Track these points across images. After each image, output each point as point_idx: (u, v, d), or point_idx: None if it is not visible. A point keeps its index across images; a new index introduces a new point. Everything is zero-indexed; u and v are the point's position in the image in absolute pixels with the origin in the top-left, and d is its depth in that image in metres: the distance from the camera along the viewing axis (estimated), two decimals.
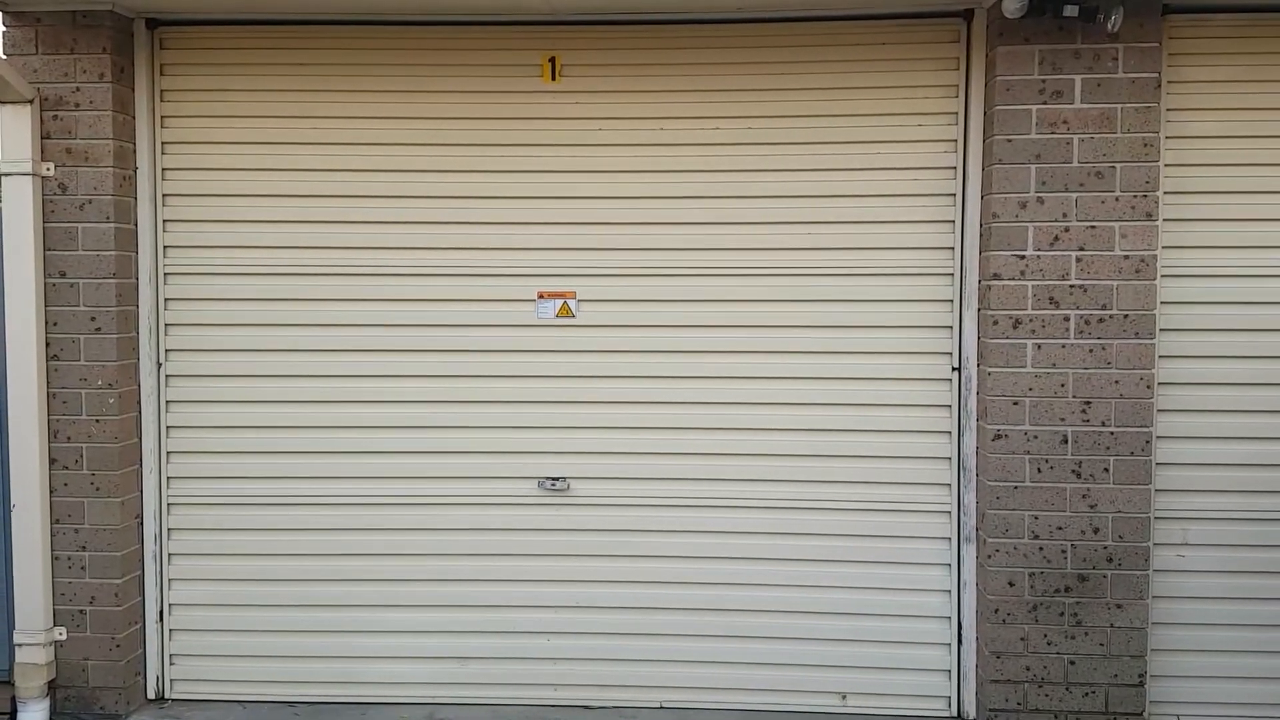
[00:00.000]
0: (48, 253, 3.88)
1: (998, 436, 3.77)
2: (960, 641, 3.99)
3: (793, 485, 4.02)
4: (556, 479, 4.07)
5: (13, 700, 3.94)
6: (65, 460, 3.93)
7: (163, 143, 4.04)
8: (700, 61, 3.94)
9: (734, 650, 4.08)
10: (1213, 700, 3.90)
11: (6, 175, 3.82)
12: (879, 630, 4.04)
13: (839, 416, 4.00)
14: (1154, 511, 3.79)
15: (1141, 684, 3.79)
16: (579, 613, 4.11)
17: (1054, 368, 3.73)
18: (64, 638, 3.97)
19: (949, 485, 3.98)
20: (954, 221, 3.91)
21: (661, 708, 4.12)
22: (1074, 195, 3.69)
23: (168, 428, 4.12)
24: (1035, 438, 3.75)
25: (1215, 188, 3.77)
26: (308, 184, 4.03)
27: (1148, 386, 3.72)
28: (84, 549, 3.95)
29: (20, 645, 3.90)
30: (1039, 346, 3.73)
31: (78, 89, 3.84)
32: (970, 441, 3.92)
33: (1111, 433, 3.73)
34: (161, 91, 4.04)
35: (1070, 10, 3.50)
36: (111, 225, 3.87)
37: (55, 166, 3.85)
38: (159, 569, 4.14)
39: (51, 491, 3.93)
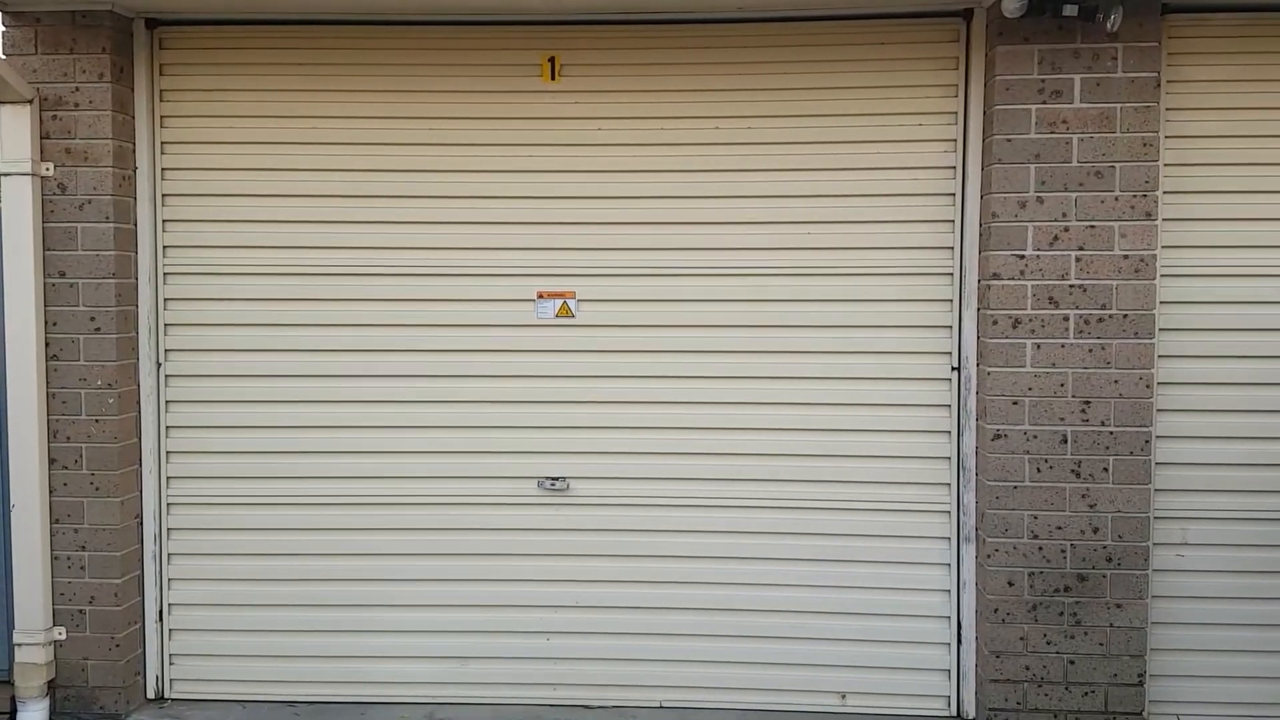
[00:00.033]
0: (47, 253, 3.89)
1: (997, 436, 3.77)
2: (960, 641, 3.99)
3: (792, 485, 4.02)
4: (556, 479, 4.07)
5: (12, 700, 3.94)
6: (65, 460, 3.93)
7: (162, 142, 4.04)
8: (700, 61, 3.94)
9: (734, 650, 4.08)
10: (1212, 700, 3.90)
11: (6, 175, 3.81)
12: (878, 630, 4.04)
13: (838, 416, 4.00)
14: (1153, 511, 3.79)
15: (1141, 683, 3.79)
16: (579, 612, 4.11)
17: (1053, 367, 3.73)
18: (63, 637, 3.97)
19: (948, 485, 3.98)
20: (953, 221, 3.91)
21: (661, 707, 4.12)
22: (1073, 195, 3.69)
23: (167, 428, 4.12)
24: (1035, 437, 3.75)
25: (1215, 187, 3.77)
26: (307, 184, 4.03)
27: (1147, 386, 3.72)
28: (84, 549, 3.96)
29: (20, 645, 3.91)
30: (1038, 346, 3.73)
31: (77, 89, 3.84)
32: (970, 441, 3.92)
33: (1111, 432, 3.73)
34: (161, 91, 4.04)
35: (1070, 10, 3.50)
36: (111, 225, 3.87)
37: (55, 166, 3.85)
38: (158, 569, 4.14)
39: (51, 491, 3.94)
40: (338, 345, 4.07)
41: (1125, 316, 3.70)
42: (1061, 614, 3.79)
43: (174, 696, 4.20)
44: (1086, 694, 3.80)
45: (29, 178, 3.80)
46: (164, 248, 4.07)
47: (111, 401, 3.92)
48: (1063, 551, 3.77)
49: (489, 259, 4.03)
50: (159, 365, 4.09)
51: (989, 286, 3.76)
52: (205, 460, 4.12)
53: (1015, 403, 3.75)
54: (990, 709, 3.85)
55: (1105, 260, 3.69)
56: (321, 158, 4.02)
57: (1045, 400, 3.74)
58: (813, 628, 4.05)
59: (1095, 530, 3.76)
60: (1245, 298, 3.80)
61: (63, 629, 3.97)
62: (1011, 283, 3.73)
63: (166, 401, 4.11)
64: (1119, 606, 3.77)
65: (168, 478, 4.13)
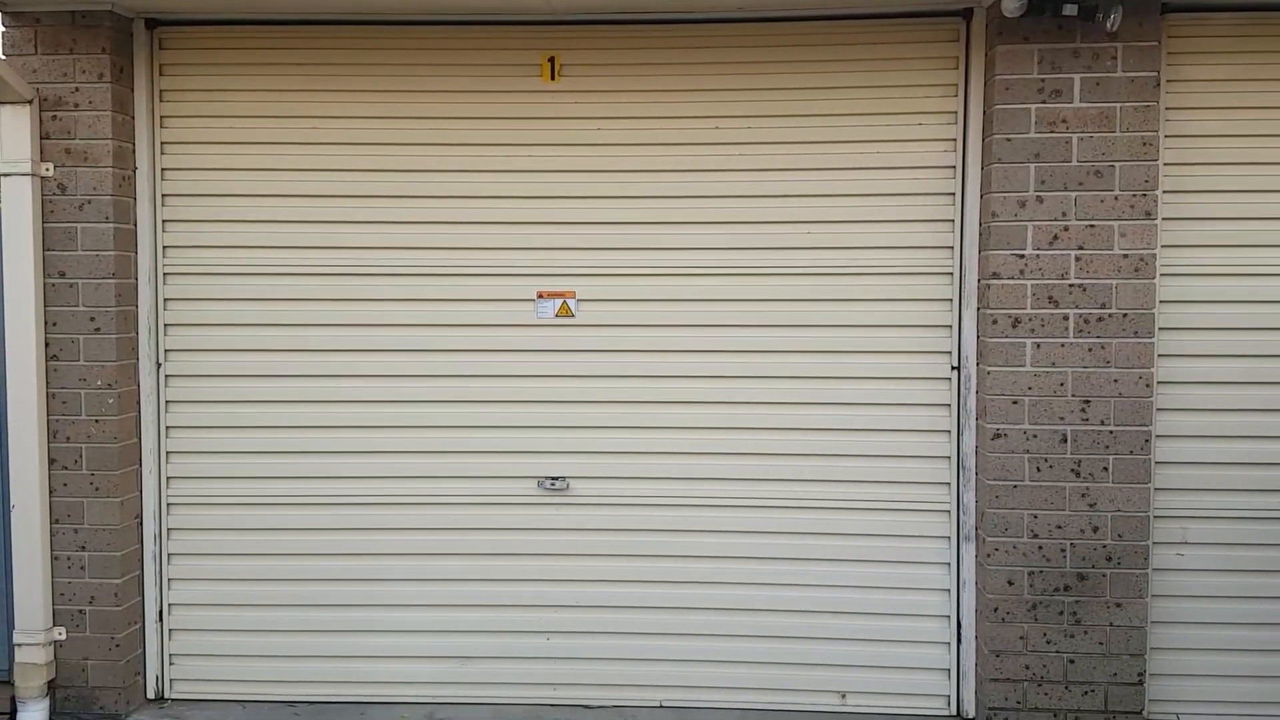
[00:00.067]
0: (47, 253, 3.88)
1: (997, 435, 3.77)
2: (959, 640, 4.00)
3: (792, 484, 4.02)
4: (556, 478, 4.07)
5: (12, 700, 3.94)
6: (65, 460, 3.93)
7: (162, 143, 4.04)
8: (699, 61, 3.94)
9: (733, 649, 4.08)
10: (1212, 699, 3.90)
11: (6, 176, 3.81)
12: (878, 629, 4.04)
13: (838, 415, 4.00)
14: (1153, 510, 3.79)
15: (1141, 682, 3.79)
16: (579, 612, 4.11)
17: (1053, 367, 3.73)
18: (63, 637, 3.97)
19: (948, 484, 3.98)
20: (953, 220, 3.91)
21: (661, 706, 4.12)
22: (1073, 194, 3.69)
23: (167, 428, 4.12)
24: (1034, 437, 3.75)
25: (1214, 186, 3.78)
26: (307, 184, 4.03)
27: (1147, 385, 3.72)
28: (83, 549, 3.95)
29: (20, 645, 3.91)
30: (1038, 345, 3.73)
31: (77, 89, 3.84)
32: (970, 440, 3.92)
33: (1111, 431, 3.73)
34: (161, 91, 4.04)
35: (1069, 9, 3.50)
36: (111, 225, 3.87)
37: (54, 167, 3.85)
38: (158, 569, 4.14)
39: (51, 491, 3.93)
40: (338, 345, 4.07)
41: (1125, 316, 3.71)
42: (1061, 613, 3.79)
43: (174, 696, 4.20)
44: (1086, 693, 3.80)
45: (29, 178, 3.80)
46: (164, 248, 4.07)
47: (111, 402, 3.92)
48: (1062, 550, 3.77)
49: (489, 259, 4.03)
50: (159, 365, 4.09)
51: (989, 286, 3.76)
52: (205, 460, 4.12)
53: (1015, 402, 3.75)
54: (990, 708, 3.85)
55: (1105, 259, 3.69)
56: (321, 158, 4.02)
57: (1045, 399, 3.74)
58: (812, 627, 4.06)
59: (1095, 529, 3.76)
60: (1245, 297, 3.80)
61: (63, 629, 3.97)
62: (1011, 282, 3.73)
63: (166, 401, 4.11)
64: (1119, 605, 3.77)
65: (168, 478, 4.13)
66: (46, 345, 3.90)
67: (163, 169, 4.05)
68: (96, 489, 3.94)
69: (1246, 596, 3.87)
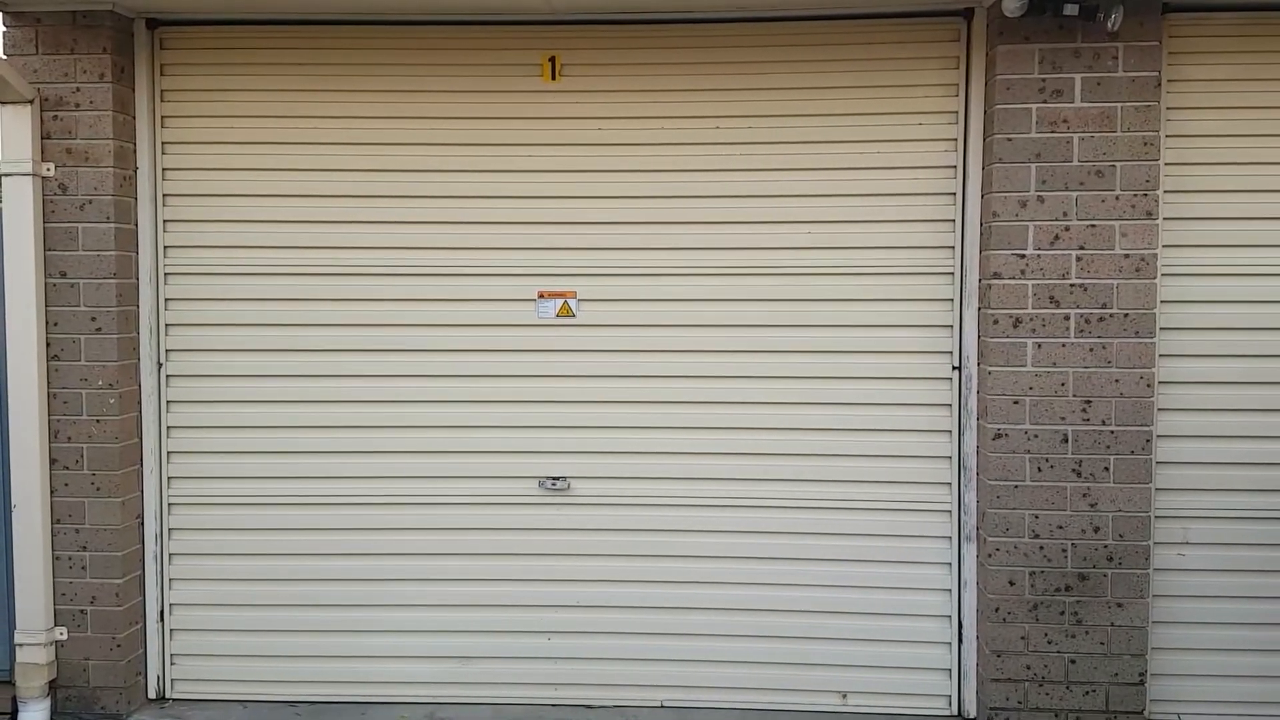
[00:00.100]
0: (48, 253, 3.89)
1: (998, 435, 3.77)
2: (961, 640, 3.99)
3: (793, 484, 4.02)
4: (557, 478, 4.07)
5: (14, 700, 3.94)
6: (66, 460, 3.93)
7: (163, 143, 4.04)
8: (700, 61, 3.94)
9: (734, 649, 4.08)
10: (1214, 699, 3.90)
11: (7, 175, 3.82)
12: (879, 629, 4.04)
13: (839, 415, 4.00)
14: (1154, 510, 3.79)
15: (1142, 682, 3.79)
16: (579, 612, 4.11)
17: (1054, 367, 3.73)
18: (65, 637, 3.97)
19: (949, 484, 3.98)
20: (954, 220, 3.91)
21: (662, 706, 4.12)
22: (1074, 194, 3.69)
23: (168, 428, 4.12)
24: (1035, 437, 3.75)
25: (1215, 186, 3.77)
26: (308, 184, 4.03)
27: (1148, 385, 3.72)
28: (85, 549, 3.96)
29: (21, 645, 3.91)
30: (1039, 345, 3.73)
31: (78, 89, 3.84)
32: (971, 440, 3.92)
33: (1112, 431, 3.73)
34: (162, 91, 4.04)
35: (1070, 9, 3.50)
36: (112, 225, 3.87)
37: (55, 166, 3.86)
38: (159, 569, 4.14)
39: (52, 491, 3.94)
40: (339, 345, 4.07)
41: (1126, 316, 3.70)
42: (1062, 613, 3.79)
43: (175, 696, 4.20)
44: (1088, 693, 3.80)
45: (30, 178, 3.80)
46: (165, 248, 4.07)
47: (112, 402, 3.92)
48: (1064, 551, 3.77)
49: (490, 259, 4.03)
50: (160, 365, 4.09)
51: (990, 286, 3.76)
52: (206, 460, 4.12)
53: (1016, 402, 3.75)
54: (991, 708, 3.85)
55: (1106, 259, 3.69)
56: (322, 158, 4.02)
57: (1046, 399, 3.74)
58: (813, 627, 4.05)
59: (1096, 529, 3.76)
60: (1246, 296, 3.80)
61: (64, 629, 3.97)
62: (1012, 282, 3.73)
63: (167, 401, 4.11)
64: (1120, 605, 3.77)
65: (169, 478, 4.13)
66: (48, 345, 3.90)
67: (164, 169, 4.05)
68: (98, 489, 3.94)
69: (1248, 596, 3.87)
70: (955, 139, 3.88)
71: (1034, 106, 3.67)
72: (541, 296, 4.03)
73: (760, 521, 4.04)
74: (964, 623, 3.98)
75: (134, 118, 3.98)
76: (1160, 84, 3.65)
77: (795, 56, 3.92)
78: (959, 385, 3.94)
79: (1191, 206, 3.77)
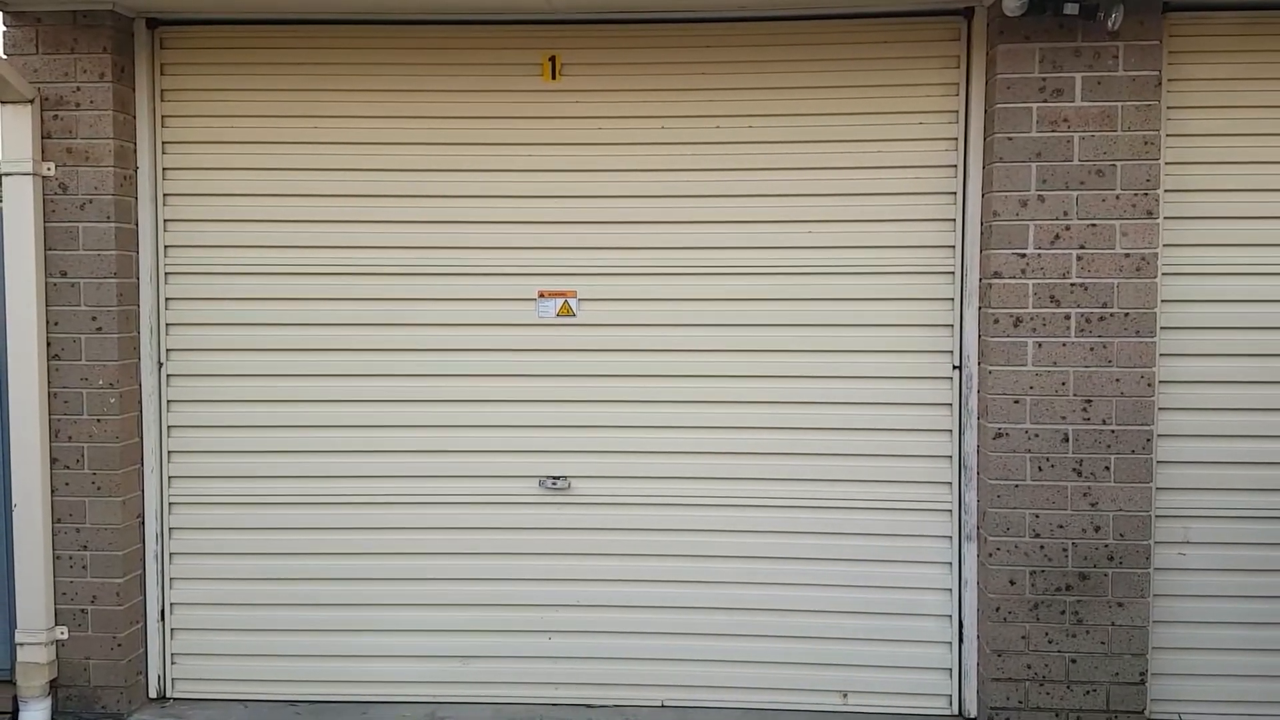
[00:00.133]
0: (49, 252, 3.89)
1: (999, 435, 3.77)
2: (961, 639, 3.99)
3: (793, 483, 4.02)
4: (557, 478, 4.07)
5: (14, 699, 3.94)
6: (66, 460, 3.93)
7: (163, 142, 4.05)
8: (701, 60, 3.94)
9: (734, 649, 4.08)
10: (1214, 698, 3.90)
11: (7, 175, 3.82)
12: (880, 628, 4.04)
13: (839, 415, 4.00)
14: (1155, 510, 3.79)
15: (1143, 682, 3.79)
16: (580, 611, 4.11)
17: (1055, 366, 3.73)
18: (65, 637, 3.97)
19: (950, 484, 3.98)
20: (955, 220, 3.91)
21: (663, 706, 4.12)
22: (1074, 193, 3.68)
23: (169, 427, 4.12)
24: (1036, 436, 3.75)
25: (1216, 185, 3.77)
26: (308, 183, 4.03)
27: (1149, 385, 3.72)
28: (85, 548, 3.96)
29: (22, 644, 3.91)
30: (1040, 345, 3.73)
31: (78, 89, 3.84)
32: (971, 440, 3.92)
33: (1112, 431, 3.73)
34: (162, 91, 4.04)
35: (1071, 8, 3.50)
36: (112, 225, 3.87)
37: (56, 166, 3.86)
38: (160, 568, 4.14)
39: (53, 491, 3.94)
40: (339, 344, 4.07)
41: (1126, 315, 3.70)
42: (1063, 612, 3.79)
43: (176, 696, 4.20)
44: (1088, 692, 3.80)
45: (30, 177, 3.80)
46: (165, 247, 4.07)
47: (113, 401, 3.92)
48: (1064, 550, 3.77)
49: (490, 258, 4.03)
50: (160, 365, 4.09)
51: (990, 285, 3.76)
52: (207, 460, 4.12)
53: (1016, 401, 3.75)
54: (992, 708, 3.85)
55: (1106, 259, 3.69)
56: (322, 157, 4.02)
57: (1046, 399, 3.74)
58: (814, 626, 4.05)
59: (1097, 529, 3.76)
60: (1247, 296, 3.79)
61: (65, 628, 3.97)
62: (1013, 281, 3.72)
63: (168, 401, 4.11)
64: (1121, 605, 3.77)
65: (169, 477, 4.13)
66: (48, 345, 3.91)
67: (164, 168, 4.05)
68: (98, 488, 3.94)
69: (1249, 596, 3.86)
70: (956, 138, 3.88)
71: (1034, 106, 3.67)
72: (542, 296, 4.03)
73: (759, 521, 4.03)
74: (964, 622, 3.98)
75: (134, 117, 3.98)
76: (1161, 83, 3.65)
77: (796, 56, 3.92)
78: (959, 384, 3.94)
79: (1192, 206, 3.77)
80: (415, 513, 4.11)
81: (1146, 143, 3.66)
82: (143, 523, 4.10)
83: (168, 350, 4.10)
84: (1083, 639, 3.79)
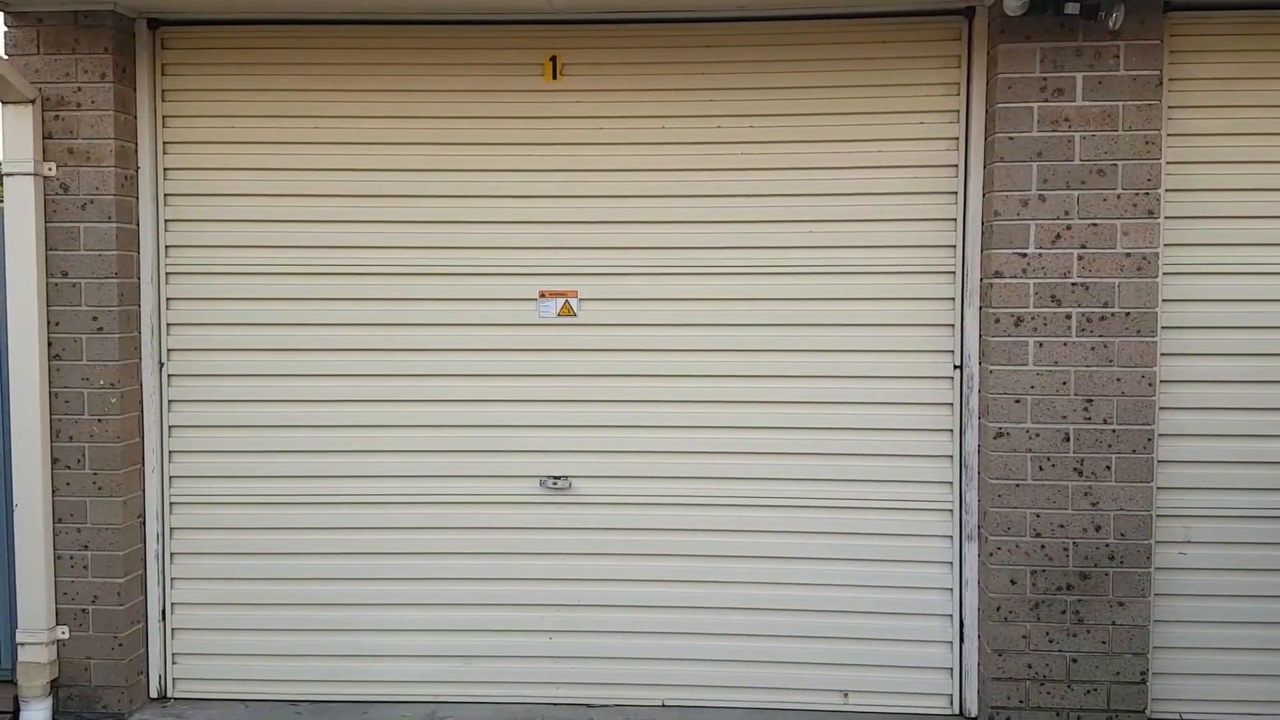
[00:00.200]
0: (50, 252, 3.89)
1: (999, 434, 3.77)
2: (962, 639, 3.99)
3: (793, 483, 4.02)
4: (558, 478, 4.07)
5: (15, 699, 3.95)
6: (67, 460, 3.93)
7: (164, 142, 4.05)
8: (701, 60, 3.94)
9: (735, 648, 4.08)
10: (1216, 698, 3.90)
11: (8, 175, 3.82)
12: (880, 628, 4.04)
13: (840, 414, 4.00)
14: (1156, 509, 3.79)
15: (1144, 681, 3.79)
16: (580, 611, 4.11)
17: (1056, 365, 3.73)
18: (66, 637, 3.97)
19: (950, 483, 3.98)
20: (955, 219, 3.91)
21: (664, 706, 4.12)
22: (1075, 193, 3.68)
23: (170, 427, 4.12)
24: (1037, 435, 3.75)
25: (1217, 185, 3.77)
26: (308, 183, 4.03)
27: (1149, 384, 3.72)
28: (86, 548, 3.96)
29: (23, 644, 3.91)
30: (1041, 344, 3.73)
31: (79, 89, 3.85)
32: (972, 439, 3.92)
33: (1113, 430, 3.73)
34: (163, 91, 4.04)
35: (1071, 8, 3.50)
36: (113, 225, 3.87)
37: (57, 166, 3.86)
38: (161, 568, 4.14)
39: (54, 491, 3.94)
40: (340, 344, 4.07)
41: (1127, 314, 3.70)
42: (1064, 612, 3.79)
43: (177, 696, 4.20)
44: (1089, 692, 3.80)
45: (31, 178, 3.81)
46: (166, 247, 4.08)
47: (114, 401, 3.92)
48: (1065, 549, 3.77)
49: (490, 258, 4.04)
50: (161, 365, 4.09)
51: (991, 285, 3.76)
52: (208, 459, 4.13)
53: (1017, 401, 3.75)
54: (993, 707, 3.85)
55: (1107, 258, 3.69)
56: (323, 157, 4.02)
57: (1047, 398, 3.74)
58: (814, 626, 4.05)
59: (1098, 528, 3.75)
60: (1248, 295, 3.79)
61: (65, 628, 3.97)
62: (1013, 281, 3.72)
63: (169, 401, 4.11)
64: (1121, 604, 3.77)
65: (170, 477, 4.14)
66: (49, 345, 3.91)
67: (165, 168, 4.05)
68: (99, 488, 3.94)
69: (1249, 595, 3.86)
70: (957, 138, 3.88)
71: (1035, 105, 3.67)
72: (542, 296, 4.03)
73: (759, 520, 4.03)
74: (965, 621, 3.98)
75: (135, 117, 3.98)
76: (1162, 82, 3.65)
77: (796, 55, 3.92)
78: (960, 384, 3.94)
79: (1193, 205, 3.77)
80: (416, 512, 4.11)
81: (1147, 142, 3.66)
82: (144, 523, 4.10)
83: (169, 350, 4.10)
84: (1083, 638, 3.79)
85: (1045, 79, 3.66)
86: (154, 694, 4.17)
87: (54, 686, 3.98)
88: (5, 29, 3.87)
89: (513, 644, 4.13)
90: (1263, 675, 3.88)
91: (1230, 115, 3.76)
